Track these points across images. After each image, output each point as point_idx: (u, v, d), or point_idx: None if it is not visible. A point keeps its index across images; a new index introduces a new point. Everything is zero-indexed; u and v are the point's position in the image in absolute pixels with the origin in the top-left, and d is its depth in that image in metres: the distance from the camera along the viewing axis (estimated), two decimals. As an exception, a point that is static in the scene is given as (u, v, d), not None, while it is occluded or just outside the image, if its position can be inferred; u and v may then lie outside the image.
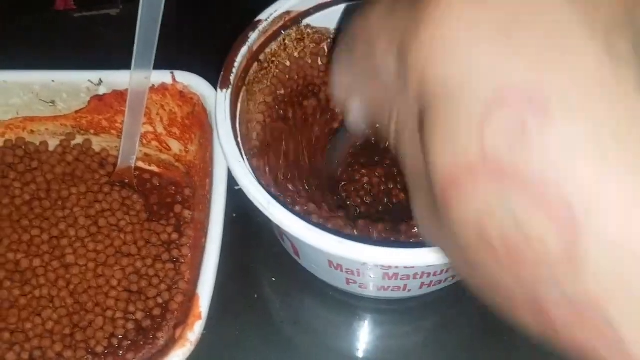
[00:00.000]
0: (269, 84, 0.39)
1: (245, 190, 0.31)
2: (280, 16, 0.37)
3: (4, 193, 0.40)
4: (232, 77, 0.35)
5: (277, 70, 0.39)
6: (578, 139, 0.14)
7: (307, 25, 0.39)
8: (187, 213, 0.40)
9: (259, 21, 0.36)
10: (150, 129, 0.41)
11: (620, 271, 0.14)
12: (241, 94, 0.36)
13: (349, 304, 0.40)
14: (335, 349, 0.39)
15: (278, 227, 0.32)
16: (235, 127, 0.34)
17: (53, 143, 0.42)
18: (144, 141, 0.41)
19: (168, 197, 0.41)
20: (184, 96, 0.38)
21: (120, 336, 0.36)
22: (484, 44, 0.16)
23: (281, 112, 0.39)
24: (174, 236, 0.39)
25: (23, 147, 0.41)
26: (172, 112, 0.40)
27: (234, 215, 0.38)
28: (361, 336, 0.40)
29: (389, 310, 0.40)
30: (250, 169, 0.32)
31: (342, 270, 0.34)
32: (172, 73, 0.38)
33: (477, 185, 0.16)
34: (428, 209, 0.19)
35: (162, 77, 0.38)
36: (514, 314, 0.17)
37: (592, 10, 0.15)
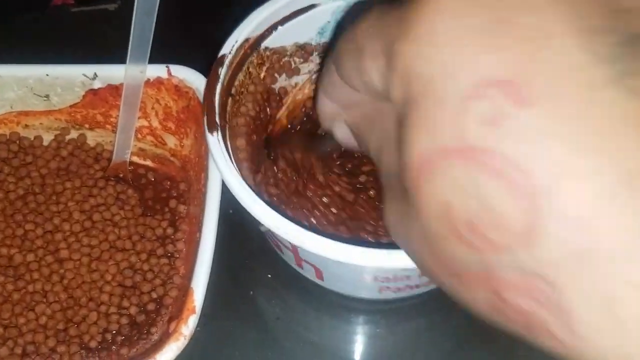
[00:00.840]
0: (243, 113, 0.38)
1: (273, 228, 0.30)
2: (241, 45, 0.36)
3: (-3, 187, 0.40)
4: (217, 119, 0.33)
5: (247, 95, 0.38)
6: (547, 125, 0.15)
7: (266, 48, 0.38)
8: (182, 208, 0.40)
9: (224, 55, 0.35)
10: (145, 123, 0.40)
11: (576, 246, 0.15)
12: (227, 132, 0.35)
13: (346, 302, 0.39)
14: (330, 347, 0.39)
15: (301, 255, 0.31)
16: (235, 167, 0.33)
17: (47, 138, 0.42)
18: (139, 135, 0.41)
19: (163, 191, 0.41)
20: (180, 90, 0.38)
21: (114, 331, 0.36)
22: (468, 41, 0.17)
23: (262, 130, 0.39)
24: (169, 231, 0.39)
25: (17, 141, 0.41)
26: (167, 106, 0.39)
27: (231, 211, 0.38)
28: (357, 335, 0.39)
29: (383, 309, 0.40)
30: (266, 203, 0.31)
31: (377, 281, 0.33)
32: (167, 67, 0.38)
33: (448, 166, 0.17)
34: (398, 212, 0.21)
35: (157, 71, 0.38)
36: (467, 296, 0.19)
37: (577, 12, 0.16)
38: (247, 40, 0.36)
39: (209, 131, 0.33)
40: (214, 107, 0.34)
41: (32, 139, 0.41)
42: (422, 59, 0.18)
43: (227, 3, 0.49)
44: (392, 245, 0.31)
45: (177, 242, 0.39)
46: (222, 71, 0.35)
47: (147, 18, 0.34)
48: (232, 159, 0.33)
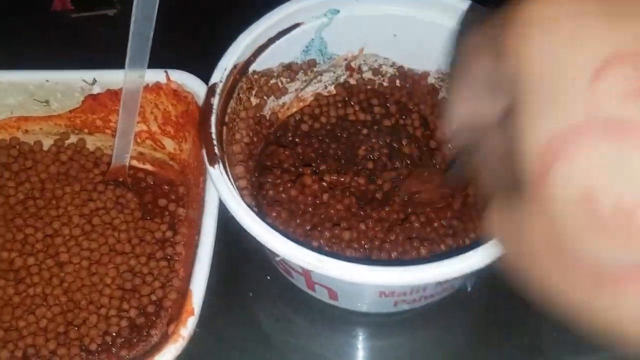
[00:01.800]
0: (238, 140, 0.38)
1: (289, 257, 0.29)
2: (230, 72, 0.36)
3: (-2, 192, 0.40)
4: (216, 150, 0.33)
5: (240, 122, 0.38)
6: None
7: (254, 72, 0.38)
8: (181, 211, 0.40)
9: (215, 84, 0.35)
10: (144, 127, 0.41)
11: None
12: (226, 161, 0.34)
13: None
14: (327, 347, 0.39)
15: (314, 278, 0.32)
16: (241, 197, 0.32)
17: (47, 142, 0.42)
18: (138, 140, 0.41)
19: (162, 195, 0.41)
20: (178, 95, 0.38)
21: (114, 333, 0.36)
22: (587, 19, 0.16)
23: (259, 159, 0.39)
24: (168, 234, 0.39)
25: (17, 146, 0.41)
26: (166, 111, 0.40)
27: (229, 214, 0.38)
28: (354, 337, 0.40)
29: (380, 314, 0.40)
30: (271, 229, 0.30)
31: (394, 296, 0.33)
32: (166, 72, 0.38)
33: (584, 144, 0.15)
34: (508, 211, 0.19)
35: (156, 76, 0.38)
36: (606, 302, 0.17)
37: None
38: (235, 66, 0.36)
39: (210, 164, 0.32)
40: (212, 138, 0.33)
41: (32, 143, 0.42)
42: (535, 36, 0.17)
43: (227, 7, 0.50)
44: (405, 261, 0.30)
45: (177, 245, 0.39)
46: (215, 101, 0.34)
47: (146, 23, 0.35)
48: (236, 188, 0.33)
